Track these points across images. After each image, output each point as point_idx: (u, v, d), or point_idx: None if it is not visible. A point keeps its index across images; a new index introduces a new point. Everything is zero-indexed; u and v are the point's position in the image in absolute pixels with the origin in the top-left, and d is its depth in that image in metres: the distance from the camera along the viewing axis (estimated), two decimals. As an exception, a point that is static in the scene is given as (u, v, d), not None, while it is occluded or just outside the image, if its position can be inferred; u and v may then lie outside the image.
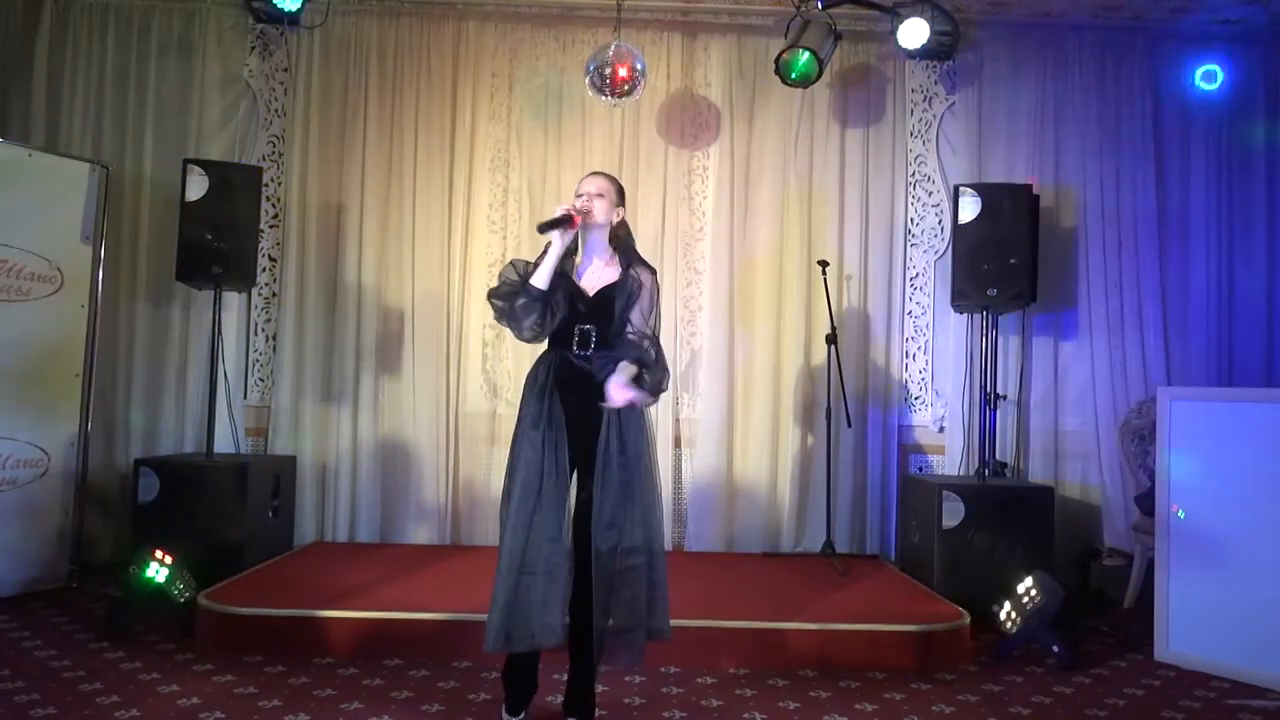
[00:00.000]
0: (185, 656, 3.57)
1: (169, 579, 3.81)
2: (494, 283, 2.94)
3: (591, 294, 2.92)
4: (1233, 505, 3.70)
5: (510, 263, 2.94)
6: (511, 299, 2.84)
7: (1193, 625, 3.78)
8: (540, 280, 2.81)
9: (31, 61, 5.34)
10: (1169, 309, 5.44)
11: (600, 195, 2.95)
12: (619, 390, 2.78)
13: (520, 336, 2.89)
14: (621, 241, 3.02)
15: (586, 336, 2.90)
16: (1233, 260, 5.45)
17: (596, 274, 2.95)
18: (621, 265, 2.98)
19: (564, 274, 2.90)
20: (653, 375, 2.90)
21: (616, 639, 2.80)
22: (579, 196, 2.95)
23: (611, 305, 2.91)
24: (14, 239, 4.46)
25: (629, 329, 2.92)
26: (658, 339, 2.96)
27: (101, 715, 2.97)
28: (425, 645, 3.63)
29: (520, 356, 5.25)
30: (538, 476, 2.78)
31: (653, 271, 3.01)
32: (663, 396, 5.09)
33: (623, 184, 3.11)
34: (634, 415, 2.89)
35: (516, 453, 2.87)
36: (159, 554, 3.84)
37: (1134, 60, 5.51)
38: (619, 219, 3.02)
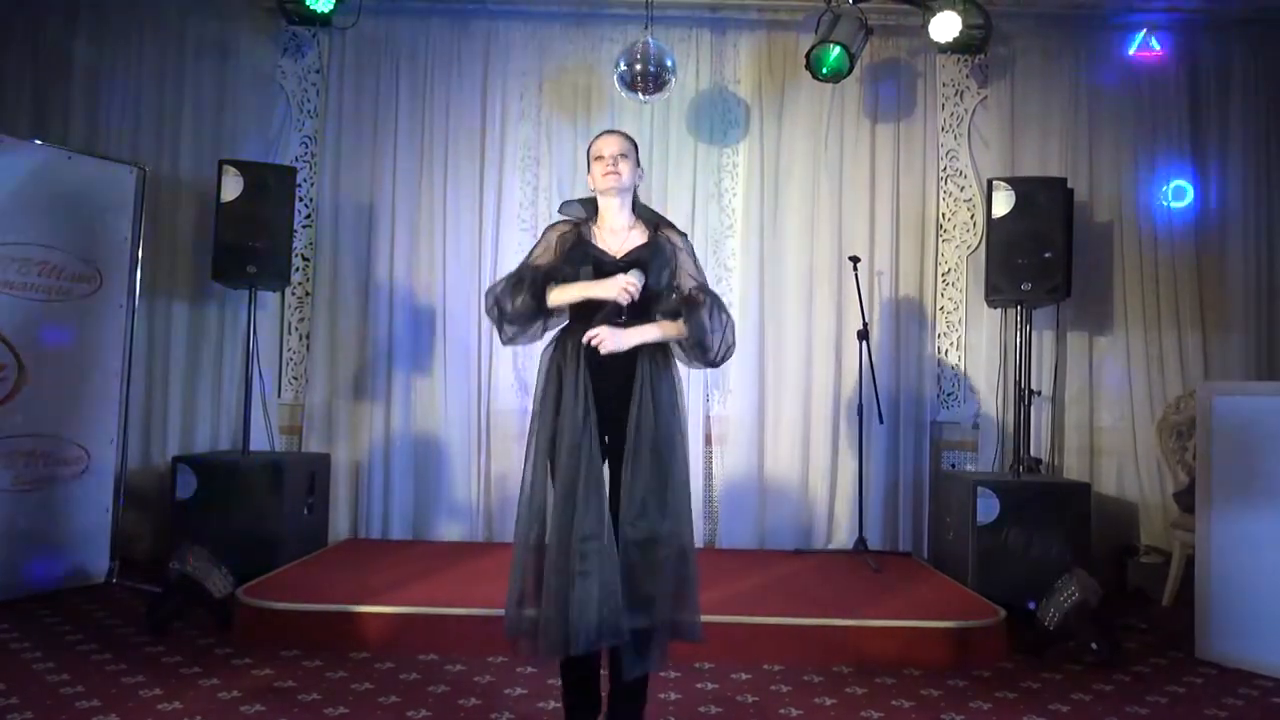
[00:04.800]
0: (224, 650, 3.62)
1: (207, 575, 3.87)
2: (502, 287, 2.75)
3: (620, 257, 2.72)
4: (1275, 501, 3.64)
5: (530, 268, 2.74)
6: (513, 304, 2.70)
7: (1235, 623, 3.72)
8: (555, 300, 2.69)
9: (70, 65, 5.42)
10: (1206, 302, 5.37)
11: (624, 156, 2.77)
12: (614, 335, 2.60)
13: (503, 337, 2.78)
14: (642, 205, 2.88)
15: (618, 304, 2.64)
16: (1273, 251, 5.37)
17: (621, 238, 2.77)
18: (648, 227, 2.81)
19: (583, 241, 2.74)
20: (711, 337, 2.69)
21: (641, 640, 2.56)
22: (597, 159, 2.77)
23: (644, 268, 2.68)
24: (55, 240, 4.53)
25: (690, 288, 2.73)
26: (716, 295, 2.78)
27: (145, 707, 3.01)
28: (460, 640, 3.65)
29: (551, 354, 5.26)
30: (577, 460, 2.57)
31: (683, 234, 2.85)
32: (693, 394, 5.18)
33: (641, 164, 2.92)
34: (668, 395, 2.71)
35: (551, 435, 2.65)
36: (197, 550, 3.91)
37: (1169, 50, 5.43)
38: (640, 180, 2.86)
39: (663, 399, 2.69)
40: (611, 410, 2.65)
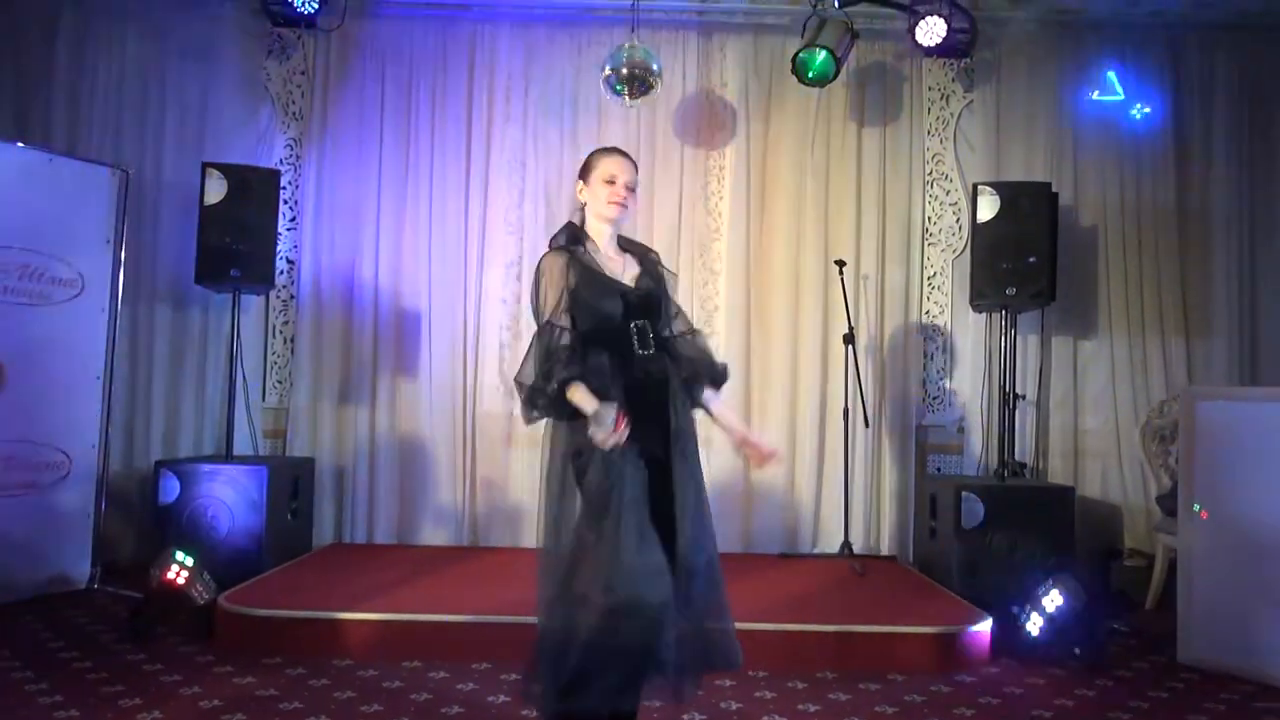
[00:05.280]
0: (206, 658, 3.59)
1: (189, 580, 3.85)
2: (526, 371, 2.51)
3: (633, 285, 2.61)
4: (1258, 506, 3.66)
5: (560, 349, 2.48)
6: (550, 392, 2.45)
7: (1217, 627, 3.73)
8: (573, 400, 2.43)
9: (52, 66, 5.35)
10: (1190, 307, 5.40)
11: (635, 190, 2.67)
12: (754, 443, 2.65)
13: (530, 419, 2.54)
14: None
15: (645, 333, 2.54)
16: (1255, 257, 5.40)
17: (620, 264, 2.65)
18: (636, 253, 2.70)
19: (589, 268, 2.56)
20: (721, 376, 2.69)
21: (688, 670, 2.49)
22: (608, 182, 2.61)
23: (652, 297, 2.61)
24: (36, 243, 4.49)
25: (682, 330, 2.68)
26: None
27: (125, 717, 2.99)
28: (444, 647, 3.63)
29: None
30: (636, 501, 2.41)
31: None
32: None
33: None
34: (691, 420, 2.62)
35: (602, 474, 2.42)
36: (179, 556, 3.88)
37: (1154, 55, 5.46)
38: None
39: (691, 426, 2.63)
40: (652, 442, 2.51)
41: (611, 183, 2.63)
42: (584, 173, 2.70)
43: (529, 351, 2.54)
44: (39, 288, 4.52)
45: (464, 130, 5.50)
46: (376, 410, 5.37)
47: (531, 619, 3.56)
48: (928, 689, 3.42)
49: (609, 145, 2.82)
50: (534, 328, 2.58)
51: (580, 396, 2.42)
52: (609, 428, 2.35)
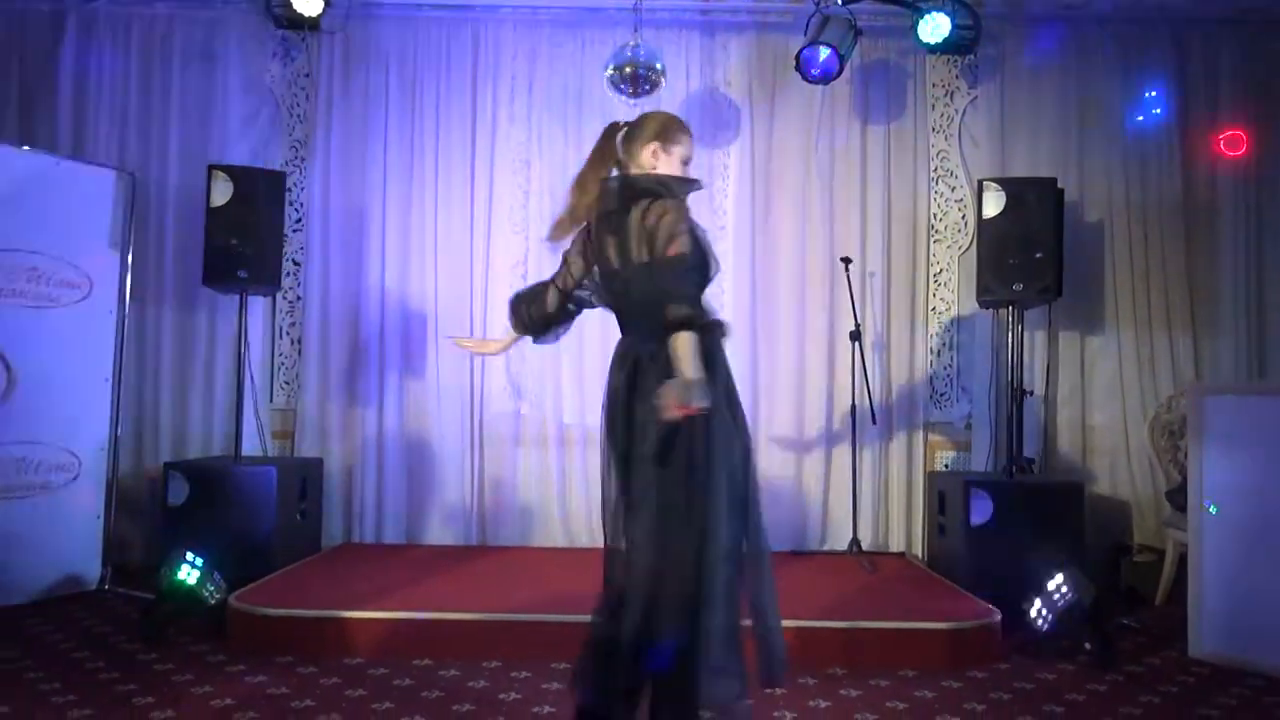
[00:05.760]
0: (217, 658, 3.60)
1: (200, 581, 3.86)
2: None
3: None
4: (1267, 501, 3.65)
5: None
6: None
7: (1227, 622, 3.73)
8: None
9: (56, 71, 5.38)
10: (1197, 302, 5.38)
11: None
12: None
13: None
14: None
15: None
16: (1262, 252, 5.38)
17: None
18: None
19: (696, 231, 2.52)
20: None
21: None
22: (687, 162, 2.66)
23: None
24: (43, 246, 4.51)
25: None
26: None
27: (138, 716, 3.00)
28: (454, 645, 3.64)
29: (544, 359, 5.26)
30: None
31: None
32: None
33: None
34: None
35: (738, 444, 2.55)
36: (189, 557, 3.89)
37: (1158, 50, 5.45)
38: None
39: None
40: None
41: (687, 164, 2.67)
42: (659, 136, 2.63)
43: (659, 266, 2.43)
44: (47, 290, 4.54)
45: (468, 130, 5.50)
46: (384, 410, 5.38)
47: (543, 616, 3.58)
48: (939, 684, 3.43)
49: (678, 115, 2.79)
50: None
51: (692, 349, 2.31)
52: (696, 403, 2.23)
